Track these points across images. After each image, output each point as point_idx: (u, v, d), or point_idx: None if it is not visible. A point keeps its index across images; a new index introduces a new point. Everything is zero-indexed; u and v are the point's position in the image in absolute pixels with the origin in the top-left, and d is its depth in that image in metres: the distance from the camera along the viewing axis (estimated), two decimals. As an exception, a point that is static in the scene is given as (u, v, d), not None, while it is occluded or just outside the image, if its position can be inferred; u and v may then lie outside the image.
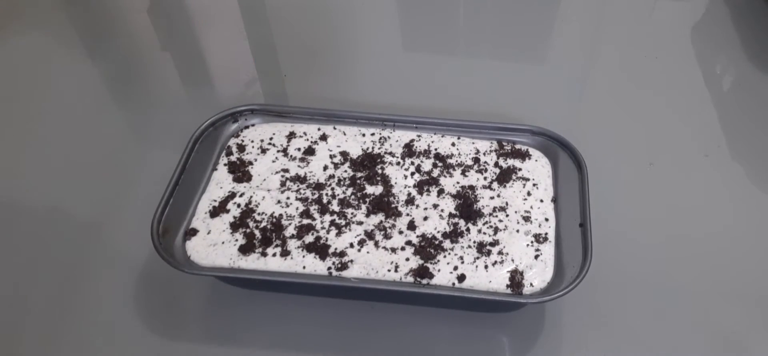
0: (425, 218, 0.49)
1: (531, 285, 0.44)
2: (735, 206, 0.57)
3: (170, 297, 0.50)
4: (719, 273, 0.52)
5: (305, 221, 0.48)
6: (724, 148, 0.63)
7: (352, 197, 0.50)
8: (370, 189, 0.51)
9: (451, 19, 0.85)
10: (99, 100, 0.71)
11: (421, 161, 0.53)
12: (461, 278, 0.44)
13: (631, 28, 0.82)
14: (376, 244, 0.47)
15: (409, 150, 0.54)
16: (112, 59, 0.77)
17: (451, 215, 0.49)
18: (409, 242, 0.47)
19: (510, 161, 0.54)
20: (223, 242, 0.47)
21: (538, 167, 0.53)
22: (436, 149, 0.54)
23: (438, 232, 0.48)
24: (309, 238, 0.47)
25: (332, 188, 0.51)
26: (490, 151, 0.54)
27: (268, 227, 0.48)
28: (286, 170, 0.53)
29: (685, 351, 0.47)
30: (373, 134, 0.56)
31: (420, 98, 0.69)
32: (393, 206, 0.50)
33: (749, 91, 0.71)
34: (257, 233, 0.47)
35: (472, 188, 0.51)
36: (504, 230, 0.48)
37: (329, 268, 0.45)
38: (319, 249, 0.46)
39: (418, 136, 0.56)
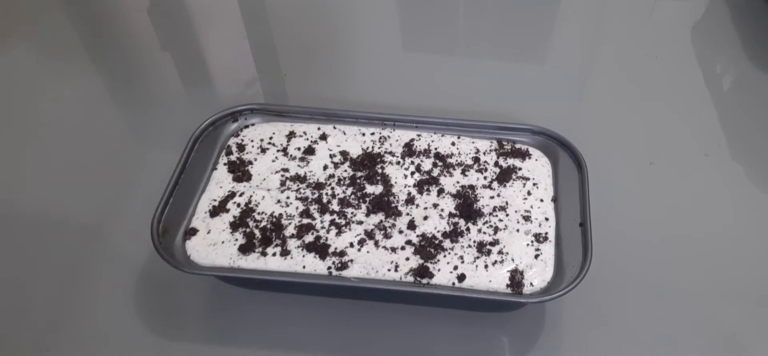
0: (425, 218, 0.49)
1: (531, 284, 0.44)
2: (735, 206, 0.57)
3: (170, 296, 0.50)
4: (719, 273, 0.52)
5: (305, 221, 0.48)
6: (724, 148, 0.63)
7: (352, 196, 0.50)
8: (370, 189, 0.51)
9: (451, 19, 0.85)
10: (99, 100, 0.71)
11: (421, 161, 0.53)
12: (461, 277, 0.44)
13: (631, 28, 0.82)
14: (376, 244, 0.47)
15: (409, 150, 0.54)
16: (112, 59, 0.77)
17: (451, 215, 0.49)
18: (409, 242, 0.47)
19: (510, 160, 0.54)
20: (223, 242, 0.47)
21: (538, 167, 0.53)
22: (436, 149, 0.54)
23: (438, 231, 0.48)
24: (309, 238, 0.47)
25: (332, 188, 0.51)
26: (490, 150, 0.54)
27: (268, 226, 0.48)
28: (286, 170, 0.53)
29: (685, 351, 0.47)
30: (373, 134, 0.56)
31: (420, 98, 0.69)
32: (393, 205, 0.50)
33: (749, 91, 0.71)
34: (257, 232, 0.47)
35: (472, 187, 0.51)
36: (504, 229, 0.48)
37: (329, 268, 0.45)
38: (319, 249, 0.46)
39: (418, 135, 0.56)
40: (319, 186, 0.51)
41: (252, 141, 0.55)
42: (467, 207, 0.49)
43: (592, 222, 0.46)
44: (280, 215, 0.49)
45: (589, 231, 0.45)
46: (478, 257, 0.46)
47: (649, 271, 0.51)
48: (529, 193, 0.51)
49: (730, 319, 0.49)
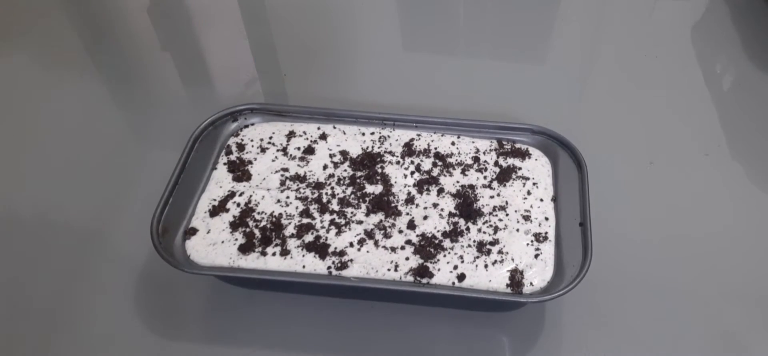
0: (425, 218, 0.49)
1: (531, 284, 0.44)
2: (735, 205, 0.57)
3: (170, 296, 0.50)
4: (719, 272, 0.51)
5: (305, 221, 0.48)
6: (724, 148, 0.63)
7: (352, 196, 0.50)
8: (369, 188, 0.51)
9: (451, 19, 0.85)
10: (99, 100, 0.71)
11: (421, 161, 0.53)
12: (461, 277, 0.44)
13: (631, 28, 0.82)
14: (376, 243, 0.47)
15: (408, 149, 0.54)
16: (112, 59, 0.77)
17: (450, 215, 0.49)
18: (408, 242, 0.47)
19: (510, 160, 0.54)
20: (222, 242, 0.47)
21: (538, 167, 0.53)
22: (435, 148, 0.54)
23: (438, 231, 0.48)
24: (309, 237, 0.47)
25: (332, 188, 0.51)
26: (490, 150, 0.54)
27: (268, 226, 0.48)
28: (285, 170, 0.53)
29: (685, 351, 0.47)
30: (372, 134, 0.56)
31: (420, 98, 0.69)
32: (393, 205, 0.50)
33: (749, 91, 0.71)
34: (257, 232, 0.47)
35: (472, 187, 0.51)
36: (504, 229, 0.48)
37: (329, 267, 0.45)
38: (319, 249, 0.46)
39: (418, 135, 0.56)
40: (318, 186, 0.51)
41: (252, 141, 0.55)
42: (467, 207, 0.49)
43: (592, 222, 0.46)
44: (280, 214, 0.49)
45: (589, 231, 0.45)
46: (478, 257, 0.46)
47: (649, 271, 0.51)
48: (529, 193, 0.51)
49: (730, 319, 0.49)
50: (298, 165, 0.53)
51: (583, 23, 0.84)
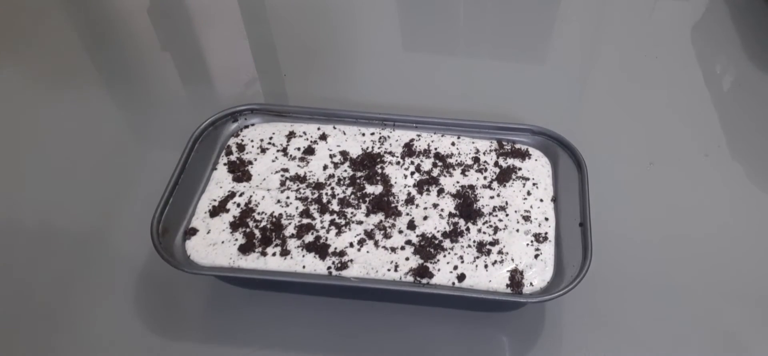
0: (425, 218, 0.49)
1: (531, 284, 0.44)
2: (735, 206, 0.57)
3: (170, 296, 0.50)
4: (719, 273, 0.52)
5: (305, 221, 0.48)
6: (724, 148, 0.63)
7: (352, 196, 0.50)
8: (369, 189, 0.51)
9: (451, 19, 0.85)
10: (99, 100, 0.71)
11: (421, 161, 0.53)
12: (461, 277, 0.44)
13: (631, 28, 0.82)
14: (376, 244, 0.47)
15: (408, 150, 0.54)
16: (112, 59, 0.77)
17: (450, 215, 0.49)
18: (408, 242, 0.47)
19: (510, 160, 0.54)
20: (222, 242, 0.47)
21: (538, 167, 0.53)
22: (435, 149, 0.54)
23: (438, 231, 0.48)
24: (309, 237, 0.47)
25: (332, 188, 0.51)
26: (490, 150, 0.54)
27: (268, 226, 0.48)
28: (285, 170, 0.53)
29: (685, 351, 0.47)
30: (372, 134, 0.56)
31: (420, 98, 0.69)
32: (393, 205, 0.50)
33: (749, 91, 0.71)
34: (257, 232, 0.47)
35: (471, 187, 0.51)
36: (504, 229, 0.48)
37: (329, 268, 0.45)
38: (319, 249, 0.46)
39: (418, 135, 0.56)
40: (318, 186, 0.51)
41: (252, 141, 0.55)
42: (467, 207, 0.49)
43: (592, 222, 0.46)
44: (280, 215, 0.49)
45: (588, 231, 0.45)
46: (477, 257, 0.46)
47: (649, 271, 0.51)
48: (528, 193, 0.51)
49: (730, 319, 0.49)
50: (298, 165, 0.53)
51: (583, 23, 0.84)
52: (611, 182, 0.57)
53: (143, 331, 0.47)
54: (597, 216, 0.47)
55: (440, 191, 0.51)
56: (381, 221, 0.48)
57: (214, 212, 0.49)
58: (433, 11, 0.85)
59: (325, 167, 0.53)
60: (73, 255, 0.52)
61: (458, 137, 0.56)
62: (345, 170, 0.53)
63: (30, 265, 0.52)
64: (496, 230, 0.48)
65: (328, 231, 0.48)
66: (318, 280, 0.45)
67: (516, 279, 0.44)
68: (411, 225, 0.48)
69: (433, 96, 0.70)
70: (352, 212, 0.49)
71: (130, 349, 0.47)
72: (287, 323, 0.48)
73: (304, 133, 0.56)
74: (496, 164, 0.53)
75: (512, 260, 0.46)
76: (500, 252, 0.46)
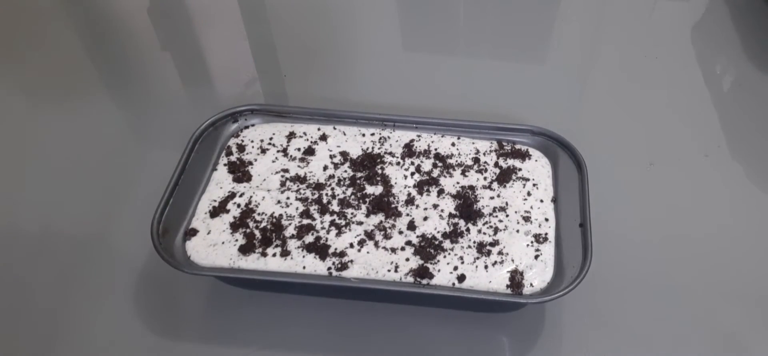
0: (425, 219, 0.49)
1: (531, 285, 0.44)
2: (735, 206, 0.57)
3: (170, 297, 0.50)
4: (719, 273, 0.52)
5: (305, 221, 0.48)
6: (724, 148, 0.63)
7: (352, 197, 0.50)
8: (370, 189, 0.51)
9: (451, 19, 0.85)
10: (99, 100, 0.71)
11: (421, 161, 0.53)
12: (461, 278, 0.44)
13: (631, 28, 0.82)
14: (376, 244, 0.47)
15: (409, 150, 0.54)
16: (112, 59, 0.77)
17: (451, 216, 0.49)
18: (409, 243, 0.47)
19: (510, 161, 0.54)
20: (223, 243, 0.47)
21: (538, 167, 0.53)
22: (436, 149, 0.54)
23: (438, 232, 0.48)
24: (309, 238, 0.47)
25: (332, 188, 0.51)
26: (490, 151, 0.54)
27: (268, 227, 0.48)
28: (286, 170, 0.53)
29: (685, 351, 0.47)
30: (373, 134, 0.56)
31: (420, 98, 0.69)
32: (393, 206, 0.50)
33: (749, 91, 0.71)
34: (257, 233, 0.47)
35: (472, 188, 0.51)
36: (504, 230, 0.48)
37: (329, 268, 0.45)
38: (319, 249, 0.46)
39: (418, 136, 0.56)
40: (319, 187, 0.51)
41: (252, 142, 0.55)
42: (467, 208, 0.49)
43: (592, 223, 0.46)
44: (280, 215, 0.49)
45: (589, 232, 0.45)
46: (478, 258, 0.46)
47: (649, 271, 0.51)
48: (529, 194, 0.51)
49: (730, 319, 0.49)
50: (299, 166, 0.53)
51: (583, 23, 0.84)
52: (611, 182, 0.57)
53: (143, 331, 0.47)
54: (597, 216, 0.47)
55: (440, 192, 0.51)
56: (381, 221, 0.48)
57: (215, 212, 0.49)
58: (433, 11, 0.85)
59: (325, 168, 0.53)
60: (73, 255, 0.52)
61: (458, 138, 0.56)
62: (345, 171, 0.53)
63: (30, 265, 0.52)
64: (496, 230, 0.48)
65: (328, 232, 0.48)
66: (318, 281, 0.45)
67: (516, 279, 0.44)
68: (411, 226, 0.48)
69: (433, 96, 0.70)
70: (352, 213, 0.49)
71: (130, 349, 0.47)
72: (287, 323, 0.48)
73: (305, 133, 0.56)
74: (496, 164, 0.53)
75: (512, 260, 0.46)
76: (500, 253, 0.46)
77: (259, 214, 0.49)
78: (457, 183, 0.52)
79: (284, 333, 0.47)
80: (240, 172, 0.52)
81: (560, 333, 0.47)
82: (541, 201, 0.50)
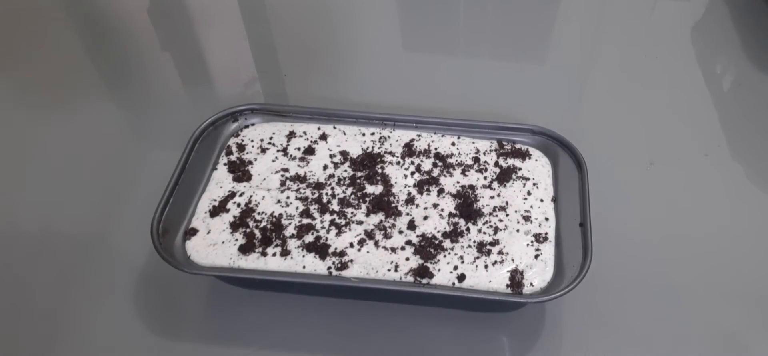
0: (425, 218, 0.49)
1: (531, 284, 0.44)
2: (735, 205, 0.57)
3: (170, 296, 0.50)
4: (719, 272, 0.52)
5: (305, 221, 0.48)
6: (724, 148, 0.63)
7: (352, 196, 0.50)
8: (370, 189, 0.51)
9: (451, 19, 0.85)
10: (99, 100, 0.71)
11: (421, 161, 0.53)
12: (461, 277, 0.44)
13: (631, 28, 0.82)
14: (376, 244, 0.47)
15: (409, 150, 0.54)
16: (112, 59, 0.77)
17: (451, 215, 0.49)
18: (409, 242, 0.47)
19: (510, 160, 0.54)
20: (223, 242, 0.47)
21: (538, 167, 0.53)
22: (436, 149, 0.54)
23: (438, 232, 0.48)
24: (309, 238, 0.47)
25: (332, 188, 0.51)
26: (490, 150, 0.54)
27: (268, 226, 0.48)
28: (286, 170, 0.53)
29: (685, 350, 0.47)
30: (373, 134, 0.56)
31: (420, 98, 0.69)
32: (393, 205, 0.50)
33: (749, 91, 0.71)
34: (257, 232, 0.47)
35: (472, 187, 0.51)
36: (504, 229, 0.48)
37: (329, 268, 0.45)
38: (319, 249, 0.46)
39: (418, 135, 0.56)
40: (319, 186, 0.51)
41: (252, 141, 0.55)
42: (467, 207, 0.49)
43: (592, 222, 0.46)
44: (280, 215, 0.49)
45: (589, 231, 0.45)
46: (478, 258, 0.46)
47: (649, 271, 0.51)
48: (529, 193, 0.51)
49: (730, 319, 0.49)
50: (299, 165, 0.53)
51: (583, 23, 0.84)
52: (611, 182, 0.57)
53: (143, 331, 0.47)
54: (597, 216, 0.47)
55: (440, 191, 0.51)
56: (381, 221, 0.48)
57: (215, 212, 0.49)
58: (433, 11, 0.85)
59: (325, 167, 0.53)
60: (73, 255, 0.52)
61: (458, 137, 0.56)
62: (345, 170, 0.53)
63: (30, 265, 0.52)
64: (496, 230, 0.48)
65: (328, 231, 0.48)
66: (318, 280, 0.45)
67: (516, 279, 0.44)
68: (411, 225, 0.48)
69: (433, 96, 0.70)
70: (352, 212, 0.49)
71: (130, 349, 0.47)
72: (287, 323, 0.48)
73: (304, 133, 0.56)
74: (496, 164, 0.53)
75: (512, 260, 0.46)
76: (500, 252, 0.46)
77: (259, 213, 0.49)
78: (457, 183, 0.52)
79: (284, 333, 0.47)
80: (240, 171, 0.52)
81: (560, 332, 0.47)
82: (541, 201, 0.50)
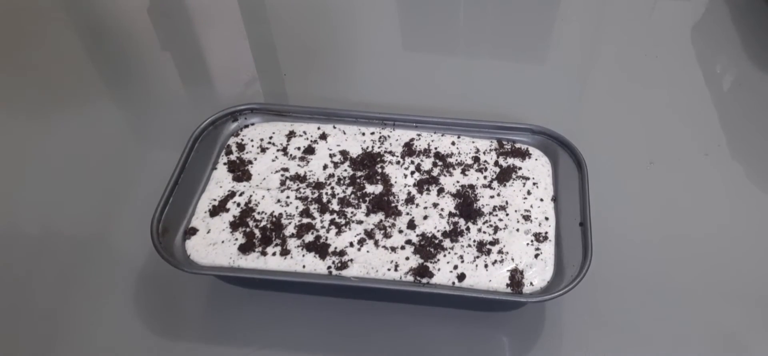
0: (425, 217, 0.49)
1: (531, 284, 0.44)
2: (735, 205, 0.57)
3: (170, 296, 0.50)
4: (719, 272, 0.51)
5: (305, 221, 0.48)
6: (724, 148, 0.63)
7: (352, 196, 0.50)
8: (369, 188, 0.51)
9: (451, 19, 0.85)
10: (99, 100, 0.71)
11: (421, 160, 0.53)
12: (461, 277, 0.44)
13: (631, 28, 0.82)
14: (376, 243, 0.47)
15: (409, 149, 0.54)
16: (112, 59, 0.77)
17: (451, 214, 0.49)
18: (408, 242, 0.47)
19: (510, 160, 0.54)
20: (222, 242, 0.47)
21: (538, 166, 0.53)
22: (436, 148, 0.54)
23: (438, 231, 0.48)
24: (309, 237, 0.47)
25: (332, 187, 0.51)
26: (490, 150, 0.54)
27: (268, 226, 0.48)
28: (285, 169, 0.53)
29: (685, 350, 0.47)
30: (372, 133, 0.56)
31: (420, 98, 0.69)
32: (393, 205, 0.50)
33: (749, 91, 0.71)
34: (257, 232, 0.47)
35: (472, 187, 0.51)
36: (504, 229, 0.48)
37: (329, 267, 0.45)
38: (319, 248, 0.46)
39: (418, 135, 0.56)
40: (319, 186, 0.51)
41: (252, 141, 0.55)
42: (467, 207, 0.49)
43: (592, 222, 0.46)
44: (280, 214, 0.49)
45: (589, 231, 0.45)
46: (478, 257, 0.46)
47: (649, 271, 0.51)
48: (529, 192, 0.51)
49: (730, 319, 0.49)
50: (298, 165, 0.53)
51: (583, 23, 0.84)
52: (611, 182, 0.57)
53: (143, 331, 0.47)
54: (597, 216, 0.47)
55: (440, 191, 0.51)
56: (381, 220, 0.48)
57: (214, 211, 0.49)
58: (433, 11, 0.85)
59: (325, 167, 0.53)
60: (73, 255, 0.52)
61: (458, 137, 0.56)
62: (345, 170, 0.53)
63: (30, 265, 0.52)
64: (496, 229, 0.48)
65: (328, 231, 0.48)
66: (318, 280, 0.45)
67: (516, 278, 0.44)
68: (411, 225, 0.48)
69: (433, 96, 0.70)
70: (352, 212, 0.49)
71: (130, 349, 0.47)
72: (287, 323, 0.48)
73: (304, 132, 0.56)
74: (496, 163, 0.53)
75: (512, 259, 0.46)
76: (500, 252, 0.46)
77: (258, 213, 0.49)
78: (457, 182, 0.52)
79: (284, 333, 0.47)
80: (240, 171, 0.52)
81: (560, 332, 0.47)
82: (541, 200, 0.50)
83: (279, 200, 0.50)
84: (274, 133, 0.56)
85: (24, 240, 0.54)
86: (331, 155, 0.54)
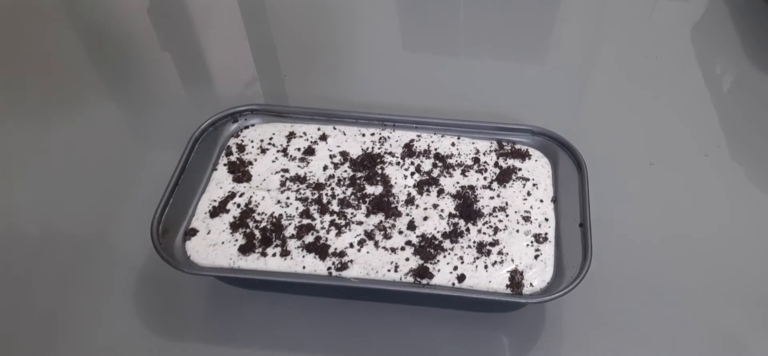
0: (425, 218, 0.49)
1: (531, 284, 0.44)
2: (735, 206, 0.57)
3: (170, 297, 0.50)
4: (719, 273, 0.52)
5: (305, 221, 0.48)
6: (724, 148, 0.63)
7: (352, 197, 0.50)
8: (369, 189, 0.51)
9: (451, 19, 0.85)
10: (99, 100, 0.71)
11: (421, 161, 0.53)
12: (461, 278, 0.44)
13: (631, 28, 0.82)
14: (376, 244, 0.47)
15: (408, 150, 0.54)
16: (112, 59, 0.77)
17: (450, 215, 0.49)
18: (408, 242, 0.47)
19: (510, 161, 0.54)
20: (222, 243, 0.47)
21: (538, 167, 0.53)
22: (436, 149, 0.54)
23: (438, 232, 0.48)
24: (309, 238, 0.47)
25: (332, 188, 0.51)
26: (490, 151, 0.54)
27: (268, 227, 0.48)
28: (285, 170, 0.53)
29: (685, 350, 0.47)
30: (372, 134, 0.56)
31: (420, 98, 0.69)
32: (393, 206, 0.50)
33: (749, 91, 0.71)
34: (257, 233, 0.47)
35: (472, 188, 0.51)
36: (504, 230, 0.48)
37: (329, 268, 0.45)
38: (319, 249, 0.46)
39: (418, 136, 0.56)
40: (319, 187, 0.51)
41: (252, 142, 0.55)
42: (467, 208, 0.49)
43: (591, 223, 0.46)
44: (280, 215, 0.49)
45: (588, 232, 0.45)
46: (477, 258, 0.46)
47: (649, 271, 0.51)
48: (528, 193, 0.51)
49: (730, 319, 0.49)
50: (299, 166, 0.53)
51: (583, 23, 0.84)
52: (611, 182, 0.57)
53: (143, 331, 0.47)
54: (597, 216, 0.47)
55: (440, 192, 0.51)
56: (381, 221, 0.48)
57: (214, 212, 0.49)
58: (433, 11, 0.85)
59: (325, 168, 0.53)
60: (73, 256, 0.52)
61: (458, 138, 0.56)
62: (345, 171, 0.53)
63: (30, 265, 0.52)
64: (496, 230, 0.48)
65: (328, 232, 0.48)
66: (318, 280, 0.45)
67: (516, 279, 0.44)
68: (411, 226, 0.48)
69: (433, 96, 0.70)
70: (352, 213, 0.49)
71: (130, 349, 0.47)
72: (287, 323, 0.48)
73: (304, 133, 0.56)
74: (496, 164, 0.53)
75: (512, 260, 0.46)
76: (500, 253, 0.46)
77: (258, 214, 0.49)
78: (457, 183, 0.52)
79: (284, 333, 0.47)
80: (240, 172, 0.52)
81: (560, 333, 0.47)
82: (541, 201, 0.50)
83: (279, 201, 0.50)
84: (274, 134, 0.56)
85: (24, 240, 0.54)
86: (331, 156, 0.54)
